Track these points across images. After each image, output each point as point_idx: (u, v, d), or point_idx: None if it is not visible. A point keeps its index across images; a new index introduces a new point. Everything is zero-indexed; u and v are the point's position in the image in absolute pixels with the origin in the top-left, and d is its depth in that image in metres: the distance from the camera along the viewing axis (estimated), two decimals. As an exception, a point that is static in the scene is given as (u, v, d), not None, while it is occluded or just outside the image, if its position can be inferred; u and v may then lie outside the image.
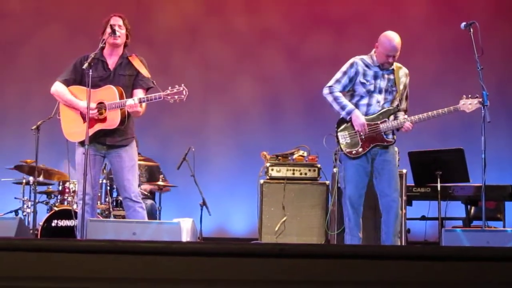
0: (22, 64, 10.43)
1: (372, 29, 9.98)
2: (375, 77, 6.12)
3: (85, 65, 5.65)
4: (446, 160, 7.38)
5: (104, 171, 7.73)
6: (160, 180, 8.44)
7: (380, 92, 6.12)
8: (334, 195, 7.14)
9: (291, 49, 10.54)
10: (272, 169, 7.50)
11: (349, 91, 6.20)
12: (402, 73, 6.21)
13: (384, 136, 6.10)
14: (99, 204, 7.62)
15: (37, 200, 7.88)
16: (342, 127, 6.18)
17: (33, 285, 3.41)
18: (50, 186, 8.46)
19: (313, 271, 3.42)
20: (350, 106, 6.10)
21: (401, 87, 6.17)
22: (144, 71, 5.95)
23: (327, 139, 6.52)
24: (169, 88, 5.73)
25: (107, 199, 7.97)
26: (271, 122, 10.44)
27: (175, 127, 10.34)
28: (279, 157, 7.63)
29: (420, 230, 8.49)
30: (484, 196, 5.89)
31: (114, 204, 8.11)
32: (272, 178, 7.48)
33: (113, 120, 5.80)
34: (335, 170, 7.21)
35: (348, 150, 6.12)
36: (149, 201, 8.33)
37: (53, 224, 7.61)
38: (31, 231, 7.36)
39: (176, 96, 5.71)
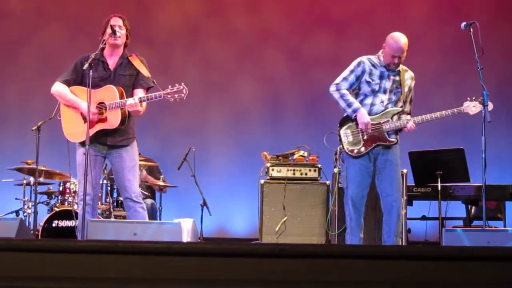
0: (23, 64, 10.43)
1: (372, 29, 10.02)
2: (381, 77, 6.13)
3: (86, 66, 5.65)
4: (446, 160, 7.38)
5: (105, 172, 7.73)
6: (161, 180, 8.44)
7: (384, 92, 6.14)
8: (335, 195, 7.15)
9: (291, 49, 10.54)
10: (273, 169, 7.51)
11: (354, 89, 6.21)
12: (408, 76, 6.22)
13: (387, 136, 6.11)
14: (99, 205, 7.62)
15: (37, 201, 7.87)
16: (345, 125, 6.19)
17: (34, 285, 3.41)
18: (51, 187, 8.46)
19: (313, 271, 3.42)
20: (356, 104, 6.11)
21: (406, 89, 6.18)
22: (144, 71, 5.95)
23: (328, 137, 6.53)
24: (169, 87, 5.74)
25: (107, 200, 7.97)
26: (272, 122, 10.44)
27: (175, 127, 10.34)
28: (280, 157, 7.64)
29: (421, 230, 8.50)
30: (485, 196, 5.89)
31: (115, 204, 8.11)
32: (272, 178, 7.49)
33: (113, 120, 5.81)
34: (335, 170, 7.21)
35: (350, 148, 6.13)
36: (150, 201, 8.33)
37: (53, 225, 7.61)
38: (31, 232, 7.36)
39: (176, 95, 5.71)
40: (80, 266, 3.43)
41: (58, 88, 5.97)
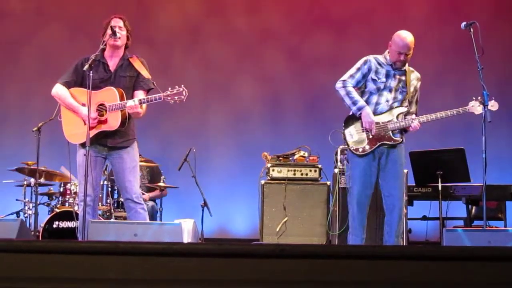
0: (23, 65, 10.43)
1: (372, 29, 10.03)
2: (387, 75, 6.13)
3: (86, 67, 5.64)
4: (447, 160, 7.38)
5: (105, 173, 7.73)
6: (162, 181, 8.44)
7: (390, 91, 6.14)
8: (335, 196, 7.15)
9: (291, 49, 10.54)
10: (273, 170, 7.51)
11: (360, 88, 6.21)
12: (414, 77, 6.23)
13: (392, 135, 6.10)
14: (100, 206, 7.62)
15: (38, 202, 7.88)
16: (350, 124, 6.18)
17: (35, 286, 3.41)
18: (51, 188, 8.47)
19: (314, 272, 3.43)
20: (361, 102, 6.11)
21: (412, 89, 6.18)
22: (145, 72, 5.95)
23: (332, 135, 6.53)
24: (169, 89, 5.73)
25: (108, 201, 7.97)
26: (272, 122, 10.44)
27: (175, 128, 10.34)
28: (280, 158, 7.64)
29: (421, 230, 8.49)
30: (485, 195, 5.89)
31: (115, 205, 8.11)
32: (273, 179, 7.50)
33: (113, 121, 5.81)
34: (336, 170, 7.22)
35: (355, 147, 6.12)
36: (150, 203, 8.33)
37: (54, 226, 7.61)
38: (32, 233, 7.36)
39: (176, 97, 5.71)
40: (81, 267, 3.43)
41: (58, 90, 5.97)
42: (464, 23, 5.98)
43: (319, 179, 7.50)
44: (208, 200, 8.36)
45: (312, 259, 3.45)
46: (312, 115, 10.20)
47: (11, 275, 3.42)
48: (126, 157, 5.94)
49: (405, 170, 6.91)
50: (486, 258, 3.45)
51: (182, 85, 5.74)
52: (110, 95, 5.82)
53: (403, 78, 6.17)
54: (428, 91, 9.08)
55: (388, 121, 6.10)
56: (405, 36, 6.06)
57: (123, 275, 3.42)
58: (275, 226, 7.36)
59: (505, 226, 8.07)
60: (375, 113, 6.12)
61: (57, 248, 3.51)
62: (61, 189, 8.11)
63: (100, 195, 7.59)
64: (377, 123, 6.07)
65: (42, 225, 7.63)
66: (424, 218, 8.06)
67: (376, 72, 6.14)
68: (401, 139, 6.13)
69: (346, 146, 6.25)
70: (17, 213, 8.33)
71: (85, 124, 5.74)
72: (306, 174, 7.50)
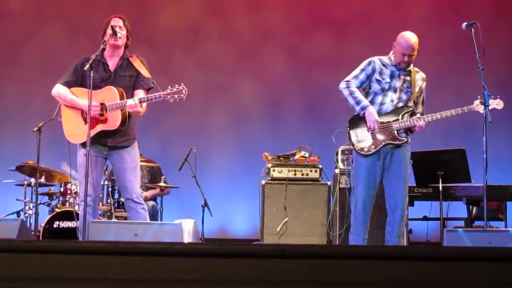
0: (23, 64, 10.43)
1: (372, 29, 10.03)
2: (392, 76, 6.13)
3: (86, 67, 5.64)
4: (447, 161, 7.37)
5: (106, 173, 7.73)
6: (162, 181, 8.44)
7: (394, 91, 6.13)
8: (336, 196, 7.15)
9: (291, 49, 10.54)
10: (274, 170, 7.51)
11: (365, 88, 6.21)
12: (419, 77, 6.22)
13: (397, 135, 6.09)
14: (100, 206, 7.62)
15: (38, 202, 7.88)
16: (354, 124, 6.17)
17: (35, 286, 3.41)
18: (52, 188, 8.47)
19: (314, 272, 3.43)
20: (365, 101, 6.10)
21: (417, 89, 6.17)
22: (145, 72, 5.95)
23: (336, 135, 6.53)
24: (169, 87, 5.73)
25: (108, 201, 7.96)
26: (272, 122, 10.44)
27: (176, 128, 10.34)
28: (281, 158, 7.64)
29: (422, 231, 8.48)
30: (486, 196, 5.88)
31: (116, 205, 8.11)
32: (273, 179, 7.50)
33: (114, 121, 5.81)
34: (336, 170, 7.22)
35: (359, 147, 6.11)
36: (151, 203, 8.33)
37: (54, 226, 7.60)
38: (32, 233, 7.36)
39: (176, 96, 5.71)
40: (81, 267, 3.44)
41: (59, 90, 5.97)
42: (465, 23, 5.97)
43: (320, 179, 7.50)
44: (209, 200, 8.36)
45: (313, 259, 3.45)
46: (313, 115, 10.20)
47: (11, 275, 3.42)
48: (127, 157, 5.94)
49: (407, 171, 6.91)
50: (486, 259, 3.45)
51: (182, 84, 5.74)
52: (110, 94, 5.82)
53: (408, 78, 6.16)
54: (429, 91, 9.10)
55: (393, 121, 6.09)
56: (409, 37, 6.06)
57: (123, 275, 3.42)
58: (276, 226, 7.36)
59: (506, 226, 8.06)
60: (380, 113, 6.10)
61: (57, 248, 3.51)
62: (62, 189, 8.11)
63: (101, 195, 7.58)
64: (381, 122, 6.06)
65: (43, 225, 7.63)
66: (425, 218, 8.05)
67: (381, 73, 6.13)
68: (406, 139, 6.12)
69: (352, 146, 6.24)
70: (18, 213, 8.34)
71: (85, 123, 5.74)
72: (307, 175, 7.50)
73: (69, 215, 7.59)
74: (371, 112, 6.06)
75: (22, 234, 5.12)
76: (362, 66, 6.20)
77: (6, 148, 10.09)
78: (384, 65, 6.16)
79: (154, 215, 8.21)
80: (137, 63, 5.97)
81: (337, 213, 7.12)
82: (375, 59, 6.20)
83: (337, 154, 7.25)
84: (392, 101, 6.13)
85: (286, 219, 7.36)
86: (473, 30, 5.90)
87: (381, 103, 6.13)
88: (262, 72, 10.56)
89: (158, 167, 8.79)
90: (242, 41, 10.55)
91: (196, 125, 10.42)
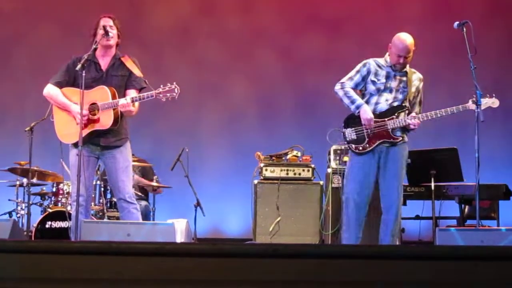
0: (15, 64, 10.39)
1: (365, 29, 10.03)
2: (387, 77, 6.13)
3: (78, 67, 5.63)
4: (440, 160, 7.38)
5: (98, 172, 7.71)
6: (154, 181, 8.43)
7: (390, 91, 6.13)
8: (328, 195, 7.16)
9: (284, 49, 10.54)
10: (266, 170, 7.51)
11: (361, 90, 6.21)
12: (416, 77, 6.22)
13: (392, 133, 6.09)
14: (93, 206, 7.60)
15: (31, 202, 7.85)
16: (350, 123, 6.18)
17: (27, 286, 3.40)
18: (44, 188, 8.45)
19: (307, 272, 3.43)
20: (359, 100, 6.11)
21: (413, 89, 6.16)
22: (137, 71, 5.94)
23: (330, 134, 6.54)
24: (161, 86, 5.73)
25: (101, 200, 7.94)
26: (265, 122, 10.44)
27: (168, 128, 10.32)
28: (273, 157, 7.64)
29: (414, 230, 8.50)
30: (478, 195, 5.89)
31: (108, 205, 8.09)
32: (266, 179, 7.50)
33: (106, 120, 5.80)
34: (329, 170, 7.23)
35: (354, 145, 6.12)
36: (143, 203, 8.32)
37: (47, 226, 7.59)
38: (25, 233, 7.35)
39: (168, 94, 5.71)
40: (74, 267, 3.43)
41: (50, 90, 5.96)
42: (457, 22, 5.97)
43: (312, 178, 7.50)
44: (201, 200, 8.34)
45: (305, 259, 3.45)
46: (305, 115, 10.20)
47: (3, 275, 3.41)
48: (119, 156, 5.93)
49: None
50: (479, 258, 3.46)
51: (174, 83, 5.75)
52: (102, 94, 5.81)
53: (404, 78, 6.16)
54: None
55: (388, 119, 6.09)
56: (405, 38, 6.06)
57: (116, 275, 3.42)
58: (268, 225, 7.36)
59: (498, 225, 8.08)
60: (375, 112, 6.10)
61: (49, 248, 3.50)
62: (54, 189, 8.09)
63: (93, 195, 7.56)
64: (376, 121, 6.06)
65: (35, 225, 7.61)
66: (417, 217, 8.05)
67: (376, 74, 6.13)
68: (401, 138, 6.12)
69: (346, 145, 6.25)
70: (10, 213, 8.31)
71: (77, 123, 5.73)
72: (299, 174, 7.51)
73: (61, 215, 7.58)
74: (366, 111, 6.06)
75: (14, 234, 5.11)
76: (357, 67, 6.22)
77: (-1, 148, 10.06)
78: (379, 66, 6.16)
79: (146, 215, 8.20)
80: (129, 63, 5.97)
81: (329, 213, 7.13)
82: (370, 60, 6.21)
83: (329, 153, 7.26)
84: (387, 100, 6.13)
85: (279, 218, 7.36)
86: (465, 29, 5.90)
87: (376, 103, 6.14)
88: (255, 71, 10.55)
89: (150, 167, 8.78)
90: (235, 41, 10.53)
91: (189, 124, 10.40)
